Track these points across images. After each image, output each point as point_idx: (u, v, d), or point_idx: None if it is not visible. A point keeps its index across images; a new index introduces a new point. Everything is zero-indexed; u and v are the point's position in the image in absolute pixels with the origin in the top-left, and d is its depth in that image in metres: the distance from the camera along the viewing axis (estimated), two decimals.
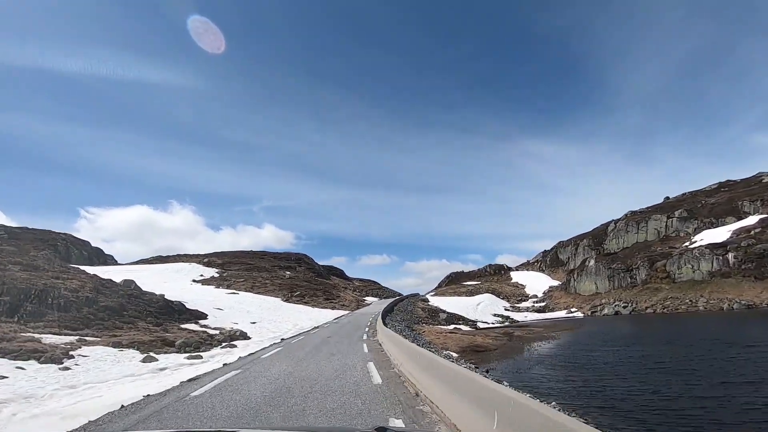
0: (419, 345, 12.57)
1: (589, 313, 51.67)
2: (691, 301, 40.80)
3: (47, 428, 6.25)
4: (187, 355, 15.49)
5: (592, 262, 64.20)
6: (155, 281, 49.52)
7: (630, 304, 47.01)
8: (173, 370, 12.79)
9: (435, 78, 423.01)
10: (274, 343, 18.14)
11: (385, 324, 20.75)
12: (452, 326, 41.62)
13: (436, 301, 66.44)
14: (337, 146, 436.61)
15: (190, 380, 9.48)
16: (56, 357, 11.85)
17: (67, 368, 11.41)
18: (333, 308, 44.48)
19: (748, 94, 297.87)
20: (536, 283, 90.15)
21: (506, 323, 52.57)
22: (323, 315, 37.34)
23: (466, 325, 45.35)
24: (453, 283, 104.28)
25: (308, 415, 5.27)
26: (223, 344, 19.29)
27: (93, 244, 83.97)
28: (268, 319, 31.69)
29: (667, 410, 8.51)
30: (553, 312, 61.73)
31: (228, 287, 47.96)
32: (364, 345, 14.34)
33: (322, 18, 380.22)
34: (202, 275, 56.99)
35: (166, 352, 16.02)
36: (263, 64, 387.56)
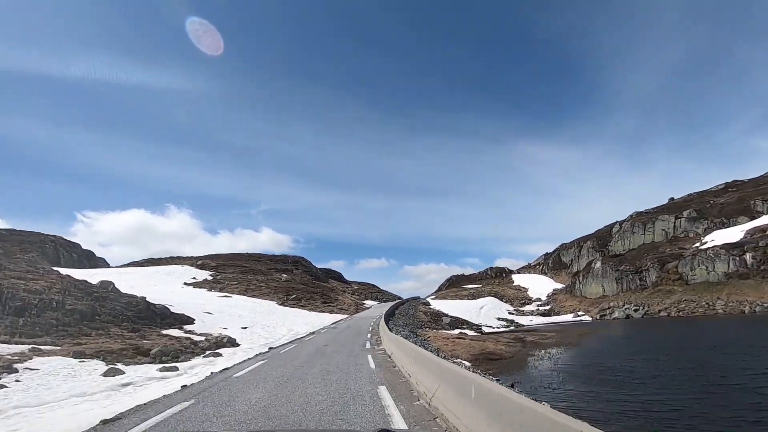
0: (430, 352, 10.56)
1: (598, 317, 49.58)
2: (708, 303, 38.82)
3: None
4: (161, 366, 13.31)
5: (599, 263, 62.24)
6: (144, 284, 47.21)
7: (642, 307, 44.96)
8: (137, 386, 10.62)
9: (433, 81, 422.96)
10: (260, 353, 15.77)
11: (389, 329, 18.56)
12: (457, 331, 39.47)
13: (437, 305, 64.27)
14: (335, 149, 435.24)
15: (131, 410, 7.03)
16: None
17: (2, 386, 9.23)
18: (331, 312, 42.27)
19: (745, 97, 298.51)
20: (539, 286, 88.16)
21: (511, 327, 50.45)
22: (320, 319, 35.14)
23: (471, 329, 43.22)
24: (454, 287, 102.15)
25: None
26: (207, 352, 17.12)
27: (90, 248, 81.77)
28: (261, 323, 29.48)
29: None
30: (559, 316, 59.64)
31: (221, 290, 45.71)
32: (369, 357, 11.90)
33: (319, 21, 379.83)
34: (194, 278, 54.69)
35: (137, 363, 13.86)
36: (261, 67, 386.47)
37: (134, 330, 18.40)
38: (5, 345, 12.12)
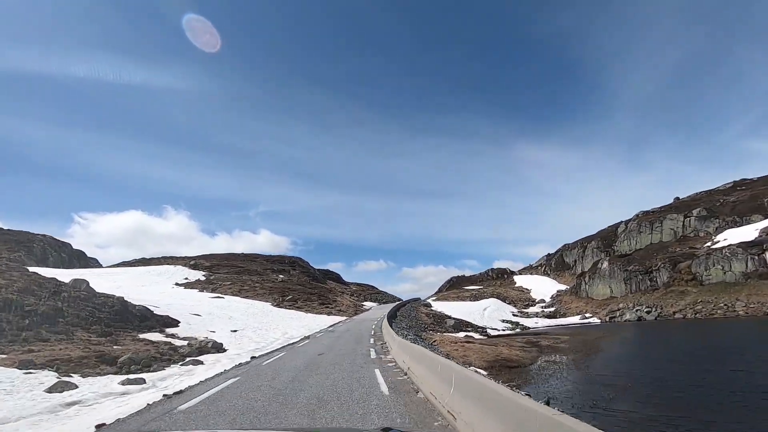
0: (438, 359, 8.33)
1: (607, 319, 47.55)
2: (726, 305, 36.85)
3: None
4: (125, 377, 11.17)
5: (606, 264, 60.26)
6: (132, 285, 45.00)
7: (654, 309, 42.97)
8: (85, 406, 8.50)
9: (431, 82, 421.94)
10: (239, 365, 13.00)
11: (395, 331, 16.45)
12: (462, 334, 37.39)
13: (439, 306, 62.20)
14: (334, 151, 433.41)
15: None
16: None
17: None
18: (329, 314, 40.13)
19: (743, 99, 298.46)
20: (541, 287, 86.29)
21: (517, 330, 48.44)
22: (317, 322, 32.99)
23: (476, 332, 41.17)
24: (454, 288, 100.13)
25: None
26: (187, 359, 14.98)
27: (88, 250, 79.58)
28: (253, 326, 27.33)
29: None
30: (565, 318, 57.64)
31: (213, 291, 43.51)
32: (377, 373, 9.01)
33: (318, 22, 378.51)
34: (186, 278, 52.47)
35: (98, 374, 11.73)
36: (259, 68, 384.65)
37: (105, 334, 16.24)
38: None
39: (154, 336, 18.83)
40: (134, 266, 64.40)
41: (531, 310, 67.48)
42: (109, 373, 12.04)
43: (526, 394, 9.48)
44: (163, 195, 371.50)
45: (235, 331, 24.52)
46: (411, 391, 6.98)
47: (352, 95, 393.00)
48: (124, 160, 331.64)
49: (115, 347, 15.00)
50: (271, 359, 13.45)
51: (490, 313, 59.37)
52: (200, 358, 15.74)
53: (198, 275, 55.45)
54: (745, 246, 41.34)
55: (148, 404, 7.95)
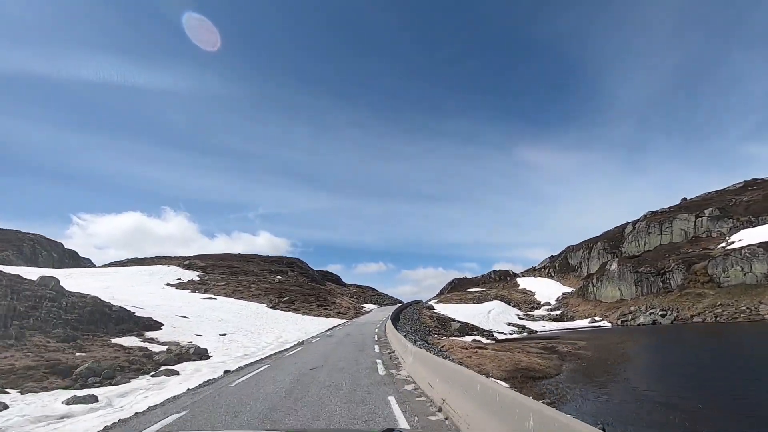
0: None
1: (619, 323, 45.42)
2: (749, 308, 34.78)
3: None
4: (74, 394, 9.06)
5: (614, 265, 58.15)
6: (122, 285, 42.86)
7: (669, 312, 40.84)
8: None
9: (431, 85, 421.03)
10: (204, 383, 10.18)
11: (402, 335, 14.30)
12: (469, 338, 35.28)
13: (442, 309, 60.08)
14: (333, 153, 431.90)
15: None
16: None
17: None
18: (327, 316, 38.00)
19: (741, 104, 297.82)
20: (545, 289, 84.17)
21: (524, 333, 46.37)
22: (315, 324, 30.87)
23: (482, 336, 39.05)
24: (456, 290, 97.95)
25: None
26: (162, 369, 12.90)
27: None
28: (245, 329, 25.21)
29: None
30: (573, 321, 55.52)
31: (205, 291, 41.38)
32: (394, 405, 6.22)
33: (317, 25, 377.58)
34: (179, 278, 50.32)
35: (45, 389, 9.67)
36: (259, 71, 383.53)
37: (69, 339, 14.13)
38: None
39: (130, 340, 16.72)
40: (126, 266, 62.24)
41: (537, 313, 65.34)
42: (58, 387, 9.96)
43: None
44: (162, 196, 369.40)
45: (225, 334, 22.41)
46: None
47: (351, 98, 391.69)
48: (123, 161, 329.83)
49: (77, 354, 12.90)
50: (247, 375, 10.35)
51: (494, 316, 57.25)
52: (177, 366, 13.64)
53: (192, 275, 53.31)
54: (767, 246, 39.31)
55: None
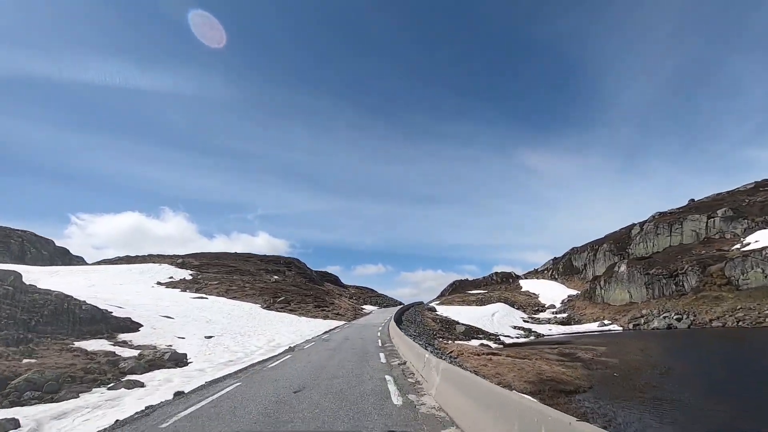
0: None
1: (630, 327, 43.36)
2: None
3: None
4: None
5: (623, 267, 56.11)
6: (109, 283, 40.72)
7: (686, 316, 38.79)
8: None
9: (431, 89, 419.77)
10: (144, 411, 7.32)
11: (419, 345, 12.17)
12: (475, 342, 33.20)
13: (444, 311, 58.00)
14: (333, 155, 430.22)
15: None
16: None
17: None
18: (325, 318, 35.87)
19: (739, 109, 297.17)
20: (549, 292, 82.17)
21: (531, 337, 44.28)
22: (311, 326, 28.76)
23: (488, 339, 36.99)
24: (457, 292, 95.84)
25: None
26: (125, 379, 10.82)
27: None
28: (235, 331, 23.09)
29: None
30: (580, 324, 53.41)
31: (197, 291, 39.24)
32: None
33: (317, 27, 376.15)
34: (171, 277, 48.17)
35: None
36: (259, 73, 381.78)
37: (20, 341, 12.04)
38: None
39: (97, 344, 14.61)
40: (117, 264, 60.04)
41: (542, 316, 63.24)
42: None
43: None
44: (162, 197, 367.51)
45: (210, 337, 20.31)
46: None
47: (351, 100, 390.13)
48: (122, 162, 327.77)
49: (24, 361, 10.80)
50: (201, 403, 7.35)
51: (499, 319, 55.18)
52: (146, 376, 11.55)
53: (185, 274, 51.17)
54: None
55: None
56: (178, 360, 13.98)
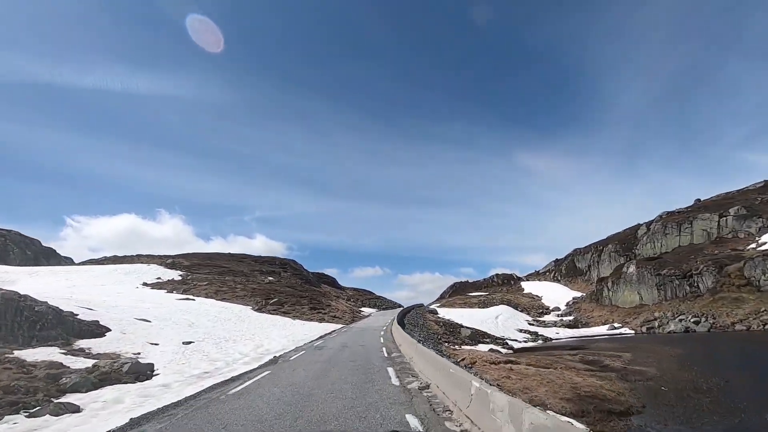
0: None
1: (644, 330, 41.09)
2: None
3: None
4: None
5: (632, 268, 53.87)
6: (90, 284, 38.15)
7: (704, 319, 36.59)
8: None
9: (428, 90, 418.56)
10: None
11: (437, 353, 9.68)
12: (483, 346, 30.83)
13: (445, 313, 55.55)
14: (330, 157, 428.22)
15: None
16: None
17: None
18: (321, 320, 33.43)
19: (735, 113, 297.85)
20: (552, 293, 79.90)
21: (539, 341, 41.98)
22: (306, 330, 26.31)
23: (495, 343, 34.62)
24: (458, 294, 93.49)
25: None
26: (59, 400, 8.40)
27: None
28: (218, 336, 20.64)
29: None
30: (588, 327, 51.10)
31: (184, 292, 36.70)
32: None
33: (313, 29, 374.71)
34: (159, 278, 45.57)
35: None
36: (254, 74, 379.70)
37: None
38: None
39: (45, 353, 12.16)
40: (104, 264, 57.37)
41: (547, 318, 60.92)
42: None
43: None
44: (158, 198, 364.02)
45: (189, 343, 17.87)
46: None
47: (349, 102, 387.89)
48: (117, 163, 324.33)
49: None
50: None
51: (503, 322, 52.82)
52: (88, 396, 9.12)
53: (173, 275, 48.56)
54: None
55: None
56: (140, 372, 11.56)
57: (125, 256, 62.99)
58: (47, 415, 7.48)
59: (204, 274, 51.01)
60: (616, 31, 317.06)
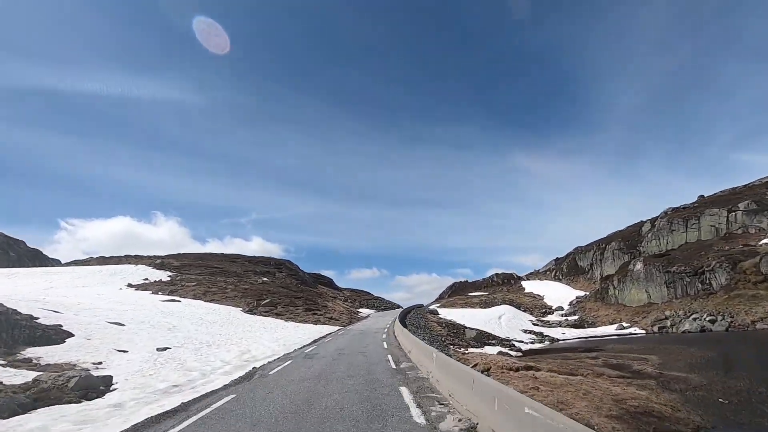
0: None
1: (655, 330, 39.28)
2: None
3: None
4: None
5: (639, 265, 52.10)
6: (70, 285, 35.84)
7: (720, 317, 34.79)
8: None
9: (426, 93, 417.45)
10: None
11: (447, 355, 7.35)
12: (490, 348, 28.81)
13: (446, 314, 53.51)
14: (327, 160, 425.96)
15: None
16: None
17: None
18: (316, 322, 31.29)
19: (729, 113, 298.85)
20: (554, 293, 78.06)
21: (546, 342, 39.99)
22: (299, 333, 24.16)
23: (502, 345, 32.63)
24: (457, 294, 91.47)
25: None
26: None
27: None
28: (200, 340, 18.47)
29: None
30: (595, 327, 49.22)
31: (170, 293, 34.44)
32: None
33: (312, 34, 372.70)
34: (146, 279, 43.28)
35: None
36: (252, 77, 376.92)
37: None
38: None
39: None
40: (90, 265, 54.92)
41: (551, 318, 59.01)
42: None
43: None
44: (153, 201, 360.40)
45: (165, 349, 15.70)
46: None
47: (347, 105, 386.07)
48: (112, 166, 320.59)
49: None
50: None
51: (506, 322, 50.86)
52: (8, 423, 6.99)
53: (162, 275, 46.26)
54: None
55: None
56: (91, 388, 9.42)
57: (112, 257, 60.54)
58: None
59: (194, 275, 48.72)
60: (615, 33, 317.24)
